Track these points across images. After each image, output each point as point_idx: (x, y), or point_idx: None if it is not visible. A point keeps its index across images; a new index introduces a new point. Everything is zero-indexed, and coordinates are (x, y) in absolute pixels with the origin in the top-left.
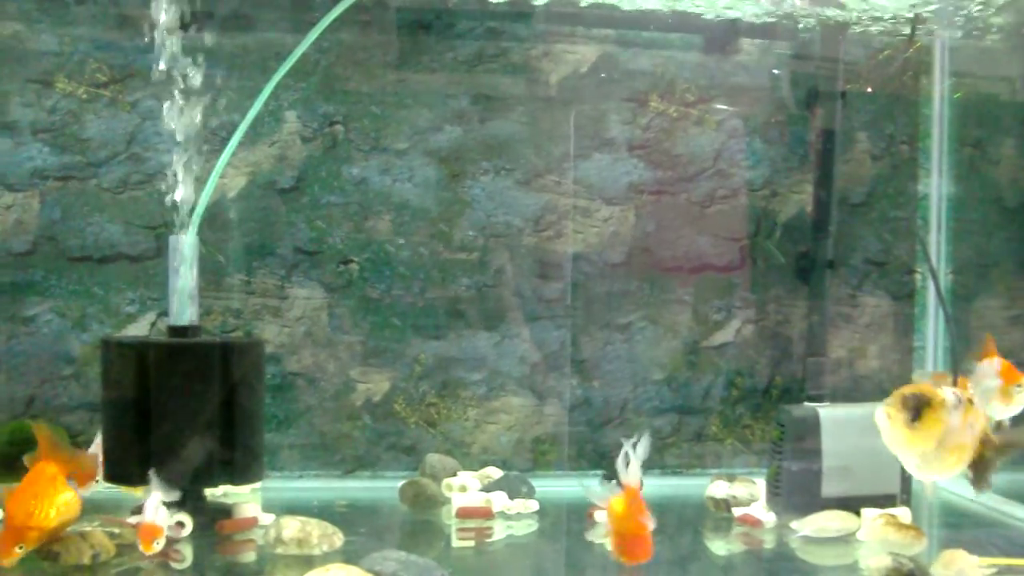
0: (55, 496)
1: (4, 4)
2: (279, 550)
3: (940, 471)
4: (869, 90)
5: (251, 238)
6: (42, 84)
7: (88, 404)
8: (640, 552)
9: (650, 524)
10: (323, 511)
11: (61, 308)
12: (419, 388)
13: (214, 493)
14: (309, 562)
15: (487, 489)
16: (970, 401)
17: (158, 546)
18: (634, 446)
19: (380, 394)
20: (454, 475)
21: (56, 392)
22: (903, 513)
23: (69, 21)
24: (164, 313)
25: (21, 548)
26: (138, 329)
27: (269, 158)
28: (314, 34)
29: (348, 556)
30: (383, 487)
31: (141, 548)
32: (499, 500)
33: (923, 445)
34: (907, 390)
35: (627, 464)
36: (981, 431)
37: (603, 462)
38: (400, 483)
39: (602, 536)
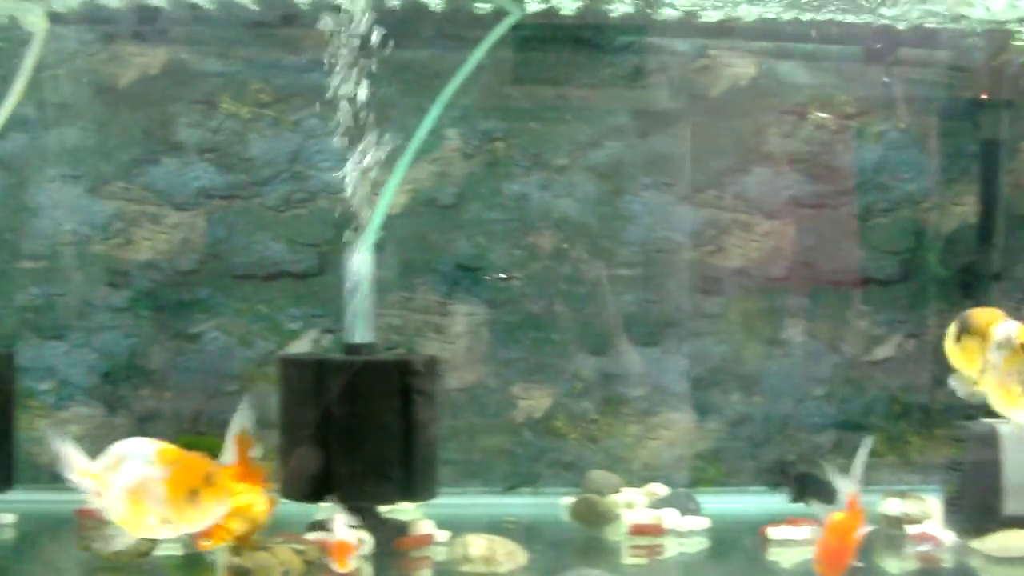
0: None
1: (171, 28)
2: (465, 568)
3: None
4: None
5: (412, 255)
6: (207, 105)
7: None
8: (840, 566)
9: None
10: (491, 528)
11: (226, 325)
12: (580, 404)
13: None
14: None
15: (655, 506)
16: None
17: (353, 563)
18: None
19: (541, 410)
20: (618, 491)
21: (222, 408)
22: None
23: (233, 43)
24: (327, 330)
25: (209, 542)
26: (301, 346)
27: (430, 175)
28: (480, 52)
29: (532, 574)
30: (544, 504)
31: (336, 567)
32: (670, 517)
33: (965, 365)
34: (974, 309)
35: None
36: None
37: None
38: (561, 499)
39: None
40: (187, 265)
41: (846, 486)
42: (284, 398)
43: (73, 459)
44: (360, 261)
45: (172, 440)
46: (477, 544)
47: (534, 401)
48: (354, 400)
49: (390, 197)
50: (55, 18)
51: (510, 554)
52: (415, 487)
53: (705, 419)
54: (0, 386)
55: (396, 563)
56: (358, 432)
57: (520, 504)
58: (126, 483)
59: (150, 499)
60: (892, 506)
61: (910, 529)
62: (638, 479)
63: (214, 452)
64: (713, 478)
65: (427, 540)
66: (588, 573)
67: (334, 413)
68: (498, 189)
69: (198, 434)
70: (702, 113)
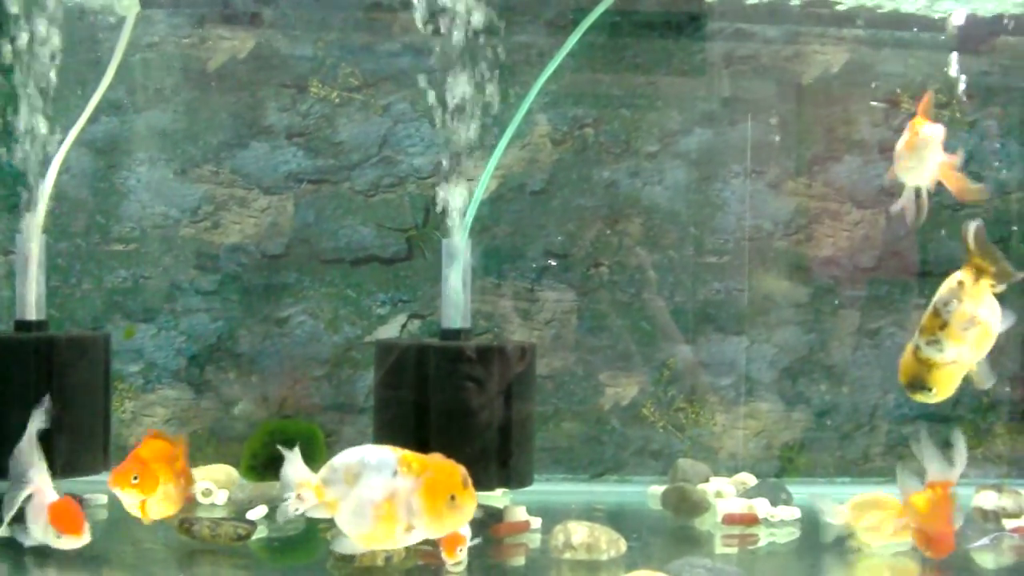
0: None
1: (260, 12)
2: (567, 555)
3: None
4: None
5: (501, 241)
6: (296, 89)
7: (339, 405)
8: (944, 547)
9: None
10: (581, 515)
11: (314, 310)
12: (668, 392)
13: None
14: (594, 568)
15: (745, 495)
16: None
17: (461, 553)
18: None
19: (628, 398)
20: (707, 481)
21: (308, 392)
22: None
23: (323, 27)
24: (415, 315)
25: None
26: (389, 331)
27: (520, 161)
28: (573, 39)
29: (632, 561)
30: (630, 491)
31: (444, 556)
32: (762, 507)
33: None
34: None
35: (936, 458)
36: None
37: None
38: (648, 487)
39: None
40: (275, 249)
41: (935, 472)
42: (381, 383)
43: (297, 472)
44: (456, 246)
45: (259, 425)
46: (579, 532)
47: (621, 389)
48: (454, 386)
49: (487, 182)
50: (146, 2)
51: (612, 542)
52: (513, 473)
53: (792, 409)
54: (97, 369)
55: (492, 550)
56: (457, 418)
57: (605, 492)
58: (373, 498)
59: (402, 510)
60: (987, 499)
61: (1008, 524)
62: (725, 468)
63: (304, 436)
64: (800, 468)
65: (524, 527)
66: (695, 561)
67: (433, 399)
68: (587, 175)
69: (284, 417)
70: (793, 100)
